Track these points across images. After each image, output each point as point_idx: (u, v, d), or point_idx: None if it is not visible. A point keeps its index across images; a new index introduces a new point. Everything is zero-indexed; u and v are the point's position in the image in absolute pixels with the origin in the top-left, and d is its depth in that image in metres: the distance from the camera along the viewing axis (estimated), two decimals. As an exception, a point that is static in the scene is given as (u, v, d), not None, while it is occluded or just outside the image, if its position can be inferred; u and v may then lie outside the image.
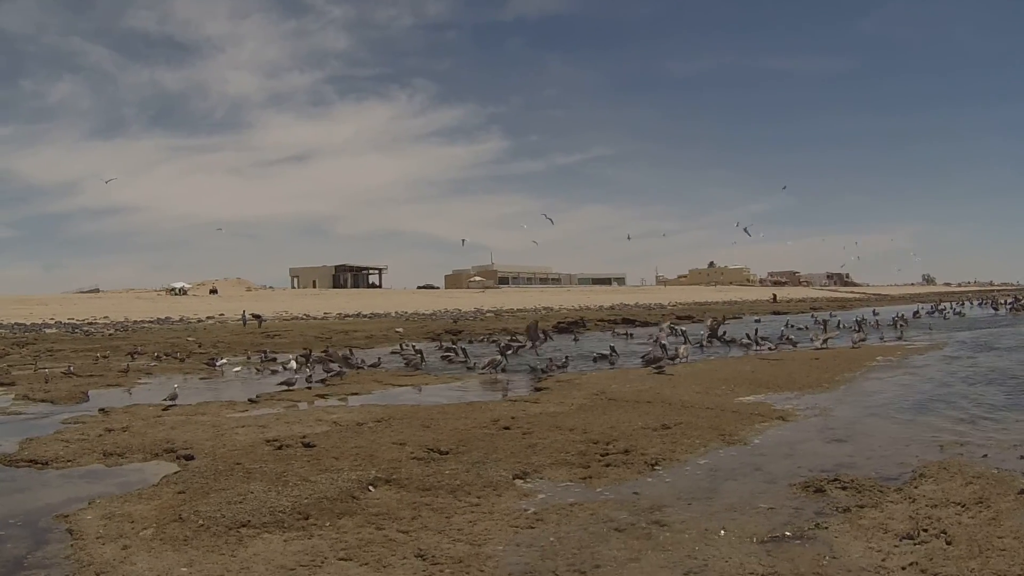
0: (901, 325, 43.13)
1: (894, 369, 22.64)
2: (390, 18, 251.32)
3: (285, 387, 20.27)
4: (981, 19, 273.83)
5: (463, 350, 29.63)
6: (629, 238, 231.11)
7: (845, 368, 22.52)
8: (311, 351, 27.97)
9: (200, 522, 8.20)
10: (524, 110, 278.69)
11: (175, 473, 10.64)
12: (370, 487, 9.54)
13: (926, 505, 8.48)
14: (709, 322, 38.10)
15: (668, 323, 42.31)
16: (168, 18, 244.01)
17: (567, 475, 10.32)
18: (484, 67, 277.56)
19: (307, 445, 11.93)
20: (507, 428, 13.31)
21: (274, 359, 27.87)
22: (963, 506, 8.36)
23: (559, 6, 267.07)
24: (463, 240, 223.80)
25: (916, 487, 9.23)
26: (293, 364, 25.05)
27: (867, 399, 16.90)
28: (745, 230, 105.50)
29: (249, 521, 8.21)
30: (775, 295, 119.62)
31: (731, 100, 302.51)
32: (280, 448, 11.86)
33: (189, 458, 11.52)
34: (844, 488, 9.21)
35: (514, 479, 10.03)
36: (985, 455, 10.90)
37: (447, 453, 11.32)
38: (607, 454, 11.37)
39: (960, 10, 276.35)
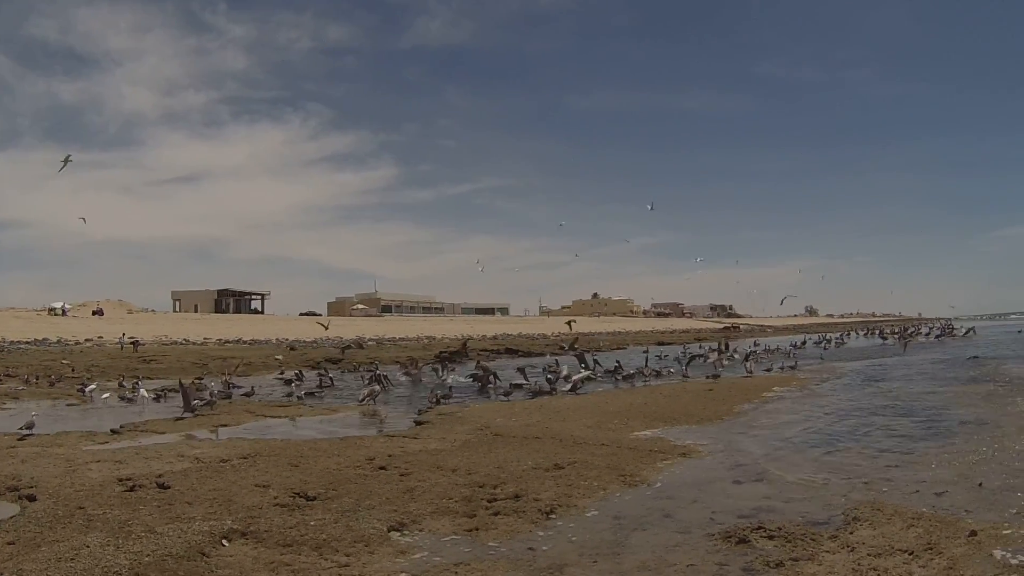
0: (794, 355, 43.27)
1: (794, 400, 22.19)
2: (290, 40, 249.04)
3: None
4: (877, 62, 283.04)
5: (330, 379, 29.60)
6: (516, 270, 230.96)
7: (742, 399, 21.91)
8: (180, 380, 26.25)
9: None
10: (417, 139, 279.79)
11: (11, 518, 9.30)
12: (224, 541, 8.33)
13: (868, 554, 7.56)
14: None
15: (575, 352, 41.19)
16: (70, 28, 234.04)
17: (451, 526, 9.04)
18: (380, 94, 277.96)
19: (161, 487, 10.70)
20: (383, 468, 12.15)
21: (135, 388, 25.88)
22: (911, 554, 7.51)
23: (459, 37, 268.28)
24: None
25: (852, 532, 8.31)
26: (143, 393, 24.34)
27: (772, 432, 16.18)
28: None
29: (76, 587, 6.74)
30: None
31: (626, 135, 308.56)
32: (131, 489, 10.56)
33: (32, 499, 10.22)
34: (771, 537, 8.16)
35: (389, 531, 8.76)
36: (917, 491, 10.24)
37: (314, 499, 10.11)
38: (495, 500, 10.15)
39: (857, 54, 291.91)
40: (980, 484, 10.42)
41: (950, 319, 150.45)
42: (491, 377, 28.21)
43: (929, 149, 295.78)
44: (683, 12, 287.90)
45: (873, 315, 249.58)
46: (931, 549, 7.50)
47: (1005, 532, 7.87)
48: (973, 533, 7.78)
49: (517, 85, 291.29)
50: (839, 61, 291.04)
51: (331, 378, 29.78)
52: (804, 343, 58.78)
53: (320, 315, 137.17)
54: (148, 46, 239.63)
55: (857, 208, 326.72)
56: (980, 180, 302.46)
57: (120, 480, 11.08)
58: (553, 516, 9.38)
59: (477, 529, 8.84)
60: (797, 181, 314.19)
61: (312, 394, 26.04)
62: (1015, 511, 8.87)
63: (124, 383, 27.68)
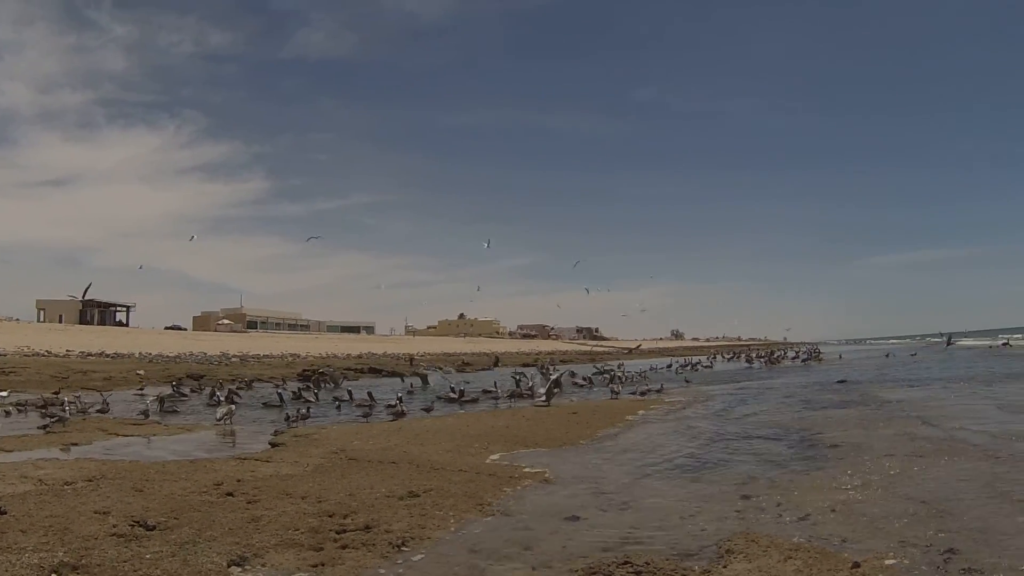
0: (660, 378, 43.82)
1: (661, 424, 21.89)
2: (171, 44, 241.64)
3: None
4: (757, 93, 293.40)
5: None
6: (381, 287, 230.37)
7: (607, 422, 21.50)
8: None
9: None
10: (290, 151, 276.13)
11: None
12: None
13: (745, 591, 7.08)
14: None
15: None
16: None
17: (295, 560, 8.25)
18: (257, 104, 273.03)
19: (-3, 512, 9.72)
20: (230, 494, 11.37)
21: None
22: (791, 591, 7.06)
23: (340, 50, 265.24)
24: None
25: (726, 566, 7.88)
26: None
27: (638, 457, 15.77)
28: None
29: None
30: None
31: (499, 154, 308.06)
32: (-36, 516, 9.60)
33: None
34: (638, 574, 7.62)
35: (229, 566, 7.90)
36: (792, 520, 9.91)
37: (154, 528, 9.28)
38: (344, 531, 9.40)
39: (736, 84, 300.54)
40: (858, 512, 10.22)
41: (816, 343, 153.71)
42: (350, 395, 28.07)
43: (802, 179, 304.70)
44: (563, 35, 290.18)
45: (739, 339, 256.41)
46: (814, 586, 7.14)
47: (889, 563, 7.72)
48: (856, 565, 7.55)
49: (393, 100, 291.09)
50: (718, 90, 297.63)
51: (183, 394, 29.93)
52: (670, 366, 59.20)
53: (185, 328, 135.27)
54: (29, 39, 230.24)
55: (729, 234, 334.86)
56: (850, 211, 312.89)
57: (-46, 505, 10.21)
58: (405, 549, 8.71)
59: (323, 564, 8.10)
60: (671, 206, 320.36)
61: (169, 412, 25.23)
62: (898, 540, 8.69)
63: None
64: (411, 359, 69.44)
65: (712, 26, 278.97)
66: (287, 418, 22.64)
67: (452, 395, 30.03)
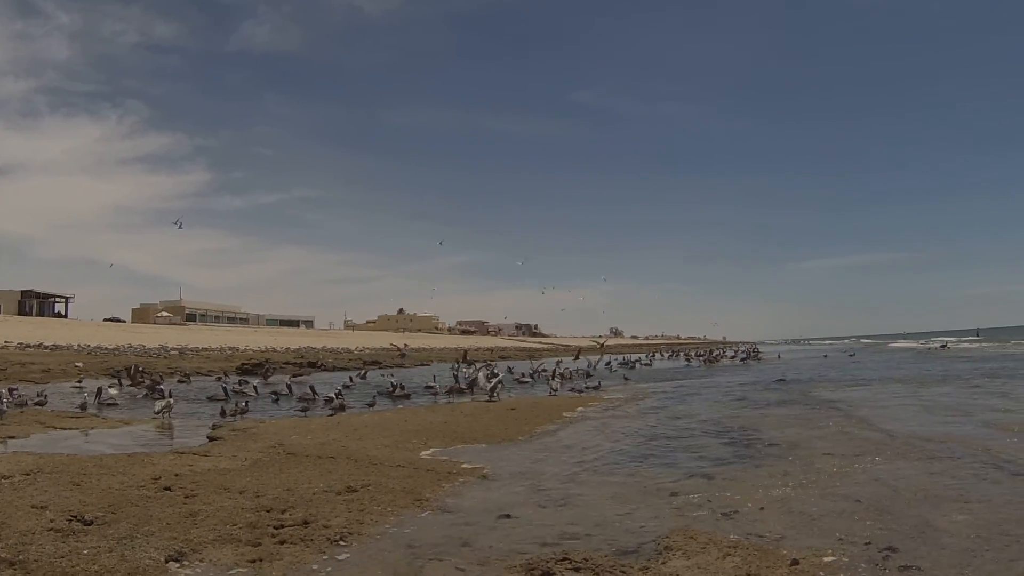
0: (599, 375, 44.17)
1: (599, 420, 21.96)
2: (115, 33, 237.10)
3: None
4: (697, 97, 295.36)
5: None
6: (326, 282, 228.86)
7: (546, 419, 21.61)
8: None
9: None
10: (233, 145, 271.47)
11: None
12: (-11, 572, 7.32)
13: (684, 588, 7.12)
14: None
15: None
16: None
17: (233, 556, 8.14)
18: (200, 96, 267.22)
19: (-67, 509, 9.56)
20: (168, 489, 11.24)
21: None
22: (730, 588, 7.12)
23: (286, 44, 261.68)
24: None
25: (665, 563, 7.86)
26: None
27: (577, 454, 15.83)
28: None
29: None
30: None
31: (440, 153, 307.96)
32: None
33: None
34: (577, 570, 7.60)
35: (167, 562, 7.80)
36: (731, 517, 9.96)
37: (92, 523, 9.12)
38: (282, 526, 9.30)
39: (677, 88, 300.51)
40: (797, 509, 10.35)
41: (755, 343, 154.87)
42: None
43: (739, 183, 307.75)
44: (506, 36, 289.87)
45: (678, 337, 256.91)
46: (754, 582, 7.21)
47: (828, 560, 7.81)
48: (795, 562, 7.63)
49: (337, 96, 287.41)
50: (659, 94, 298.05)
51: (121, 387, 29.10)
52: (609, 363, 59.18)
53: (124, 320, 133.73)
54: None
55: (668, 236, 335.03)
56: (785, 214, 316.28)
57: None
58: (343, 544, 8.62)
59: (261, 560, 8.01)
60: (611, 207, 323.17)
61: (107, 404, 25.00)
62: (837, 537, 8.79)
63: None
64: (401, 352, 69.46)
65: (653, 30, 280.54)
66: (222, 412, 22.44)
67: (394, 390, 30.03)
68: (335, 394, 26.04)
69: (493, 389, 28.77)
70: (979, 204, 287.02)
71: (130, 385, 33.37)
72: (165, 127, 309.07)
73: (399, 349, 65.92)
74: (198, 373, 42.74)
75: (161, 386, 28.92)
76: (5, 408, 20.85)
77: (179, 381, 35.67)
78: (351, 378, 39.17)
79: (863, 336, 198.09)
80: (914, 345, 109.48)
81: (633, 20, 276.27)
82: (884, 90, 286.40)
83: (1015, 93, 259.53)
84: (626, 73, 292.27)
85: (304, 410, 24.14)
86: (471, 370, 39.01)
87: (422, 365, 64.11)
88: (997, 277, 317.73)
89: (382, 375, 43.68)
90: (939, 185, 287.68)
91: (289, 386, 30.63)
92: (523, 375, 41.11)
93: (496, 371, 37.70)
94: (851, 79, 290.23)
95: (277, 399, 27.49)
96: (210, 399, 27.98)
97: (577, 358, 56.58)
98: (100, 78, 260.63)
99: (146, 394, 28.59)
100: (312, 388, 28.32)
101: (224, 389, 29.01)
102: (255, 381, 33.59)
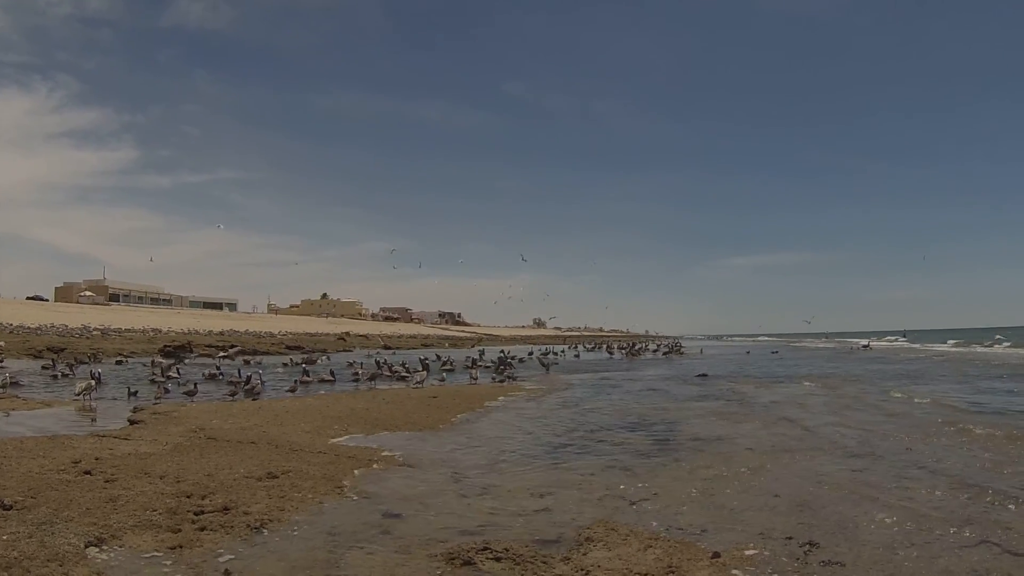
0: (518, 365, 44.03)
1: (520, 410, 22.03)
2: (49, 4, 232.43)
3: None
4: (625, 95, 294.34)
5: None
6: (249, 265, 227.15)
7: (467, 407, 21.69)
8: None
9: None
10: (160, 122, 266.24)
11: None
12: (-91, 560, 7.14)
13: (604, 580, 7.19)
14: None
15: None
16: None
17: (153, 543, 7.93)
18: (130, 72, 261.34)
19: None
20: (88, 473, 10.93)
21: None
22: (651, 579, 7.22)
23: (218, 23, 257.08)
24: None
25: (586, 554, 7.86)
26: None
27: (497, 443, 15.83)
28: None
29: None
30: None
31: (365, 138, 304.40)
32: None
33: None
34: (498, 560, 7.57)
35: (87, 547, 7.59)
36: (652, 509, 10.02)
37: (11, 508, 8.82)
38: (202, 512, 9.08)
39: (606, 86, 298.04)
40: (718, 503, 10.41)
41: (678, 337, 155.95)
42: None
43: (663, 181, 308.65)
44: (438, 24, 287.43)
45: (600, 330, 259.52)
46: (673, 572, 7.26)
47: (749, 553, 7.89)
48: (716, 555, 7.69)
49: (266, 78, 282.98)
50: (587, 90, 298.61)
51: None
52: (531, 353, 59.31)
53: (47, 300, 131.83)
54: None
55: (593, 230, 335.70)
56: (708, 212, 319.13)
57: None
58: (263, 531, 8.50)
59: (181, 546, 7.84)
60: (536, 200, 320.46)
61: (17, 383, 24.64)
62: (758, 532, 8.89)
63: None
64: (385, 344, 69.05)
65: (585, 27, 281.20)
66: (132, 393, 22.35)
67: (326, 376, 29.97)
68: (251, 376, 25.86)
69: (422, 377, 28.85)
70: (900, 213, 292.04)
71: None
72: (94, 102, 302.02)
73: (385, 343, 65.70)
74: (120, 354, 42.20)
75: (94, 368, 28.64)
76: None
77: (117, 363, 35.22)
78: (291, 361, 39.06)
79: (787, 334, 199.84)
80: (834, 345, 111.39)
81: (567, 17, 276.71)
82: (805, 96, 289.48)
83: (936, 106, 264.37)
84: (557, 68, 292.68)
85: (231, 395, 23.88)
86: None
87: (346, 351, 63.59)
88: (919, 282, 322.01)
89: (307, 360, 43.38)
90: (862, 191, 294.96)
91: (219, 367, 30.38)
92: (444, 362, 41.09)
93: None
94: (774, 85, 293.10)
95: (194, 385, 26.35)
96: (152, 382, 27.58)
97: (482, 352, 56.85)
98: (31, 49, 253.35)
99: (66, 374, 28.23)
100: (239, 372, 28.12)
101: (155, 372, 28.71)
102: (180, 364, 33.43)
